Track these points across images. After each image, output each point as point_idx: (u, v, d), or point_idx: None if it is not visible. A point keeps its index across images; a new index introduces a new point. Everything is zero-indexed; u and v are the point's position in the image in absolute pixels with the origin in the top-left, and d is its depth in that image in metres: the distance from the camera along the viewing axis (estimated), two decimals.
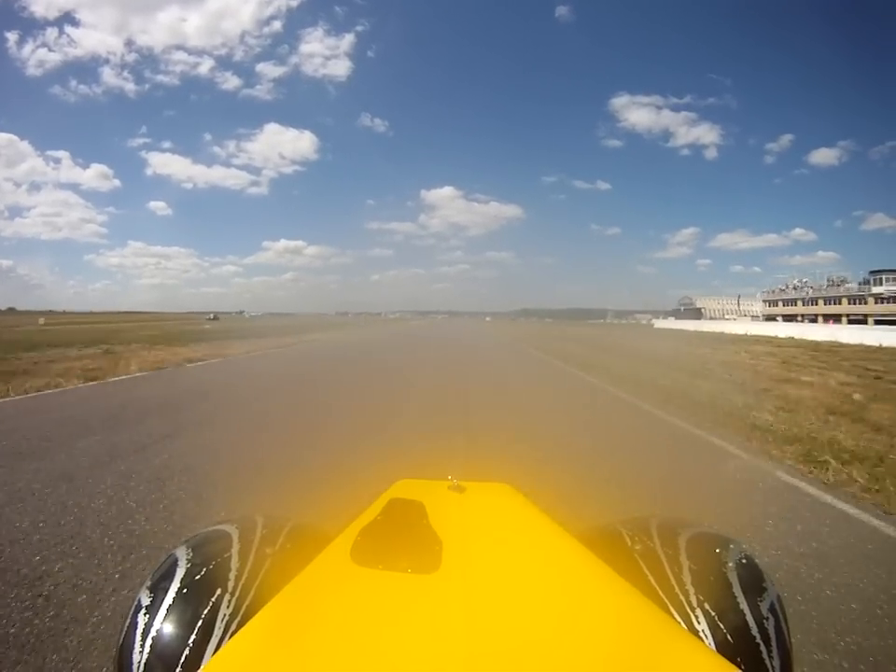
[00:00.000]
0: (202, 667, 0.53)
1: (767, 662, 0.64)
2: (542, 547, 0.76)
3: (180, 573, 0.73)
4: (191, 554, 0.78)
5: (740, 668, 0.53)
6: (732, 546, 0.81)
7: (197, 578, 0.72)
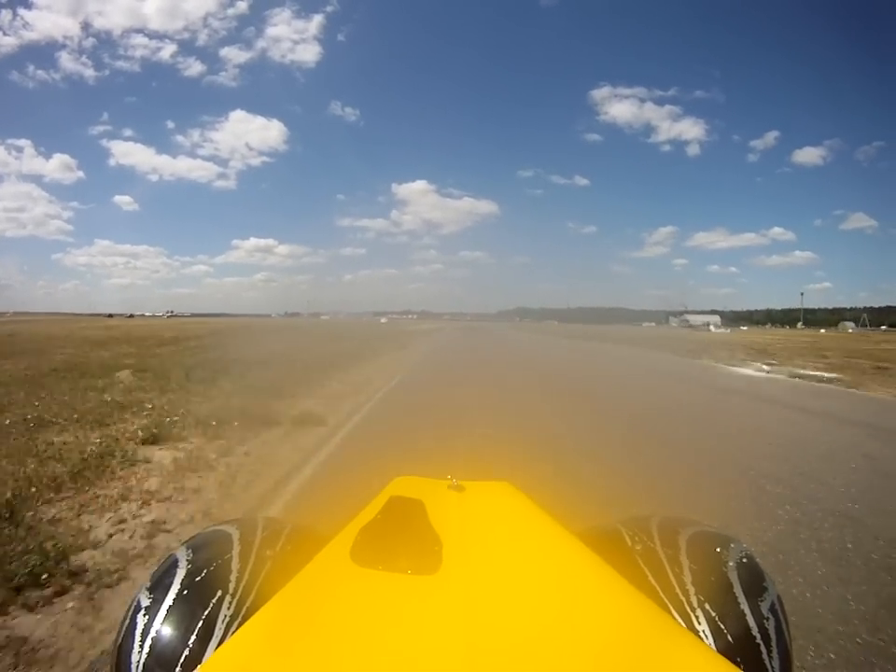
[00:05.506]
0: (199, 667, 0.53)
1: (767, 662, 0.64)
2: (543, 546, 0.76)
3: (180, 574, 0.73)
4: (191, 555, 0.77)
5: (740, 668, 0.53)
6: (732, 545, 0.81)
7: (197, 579, 0.72)
